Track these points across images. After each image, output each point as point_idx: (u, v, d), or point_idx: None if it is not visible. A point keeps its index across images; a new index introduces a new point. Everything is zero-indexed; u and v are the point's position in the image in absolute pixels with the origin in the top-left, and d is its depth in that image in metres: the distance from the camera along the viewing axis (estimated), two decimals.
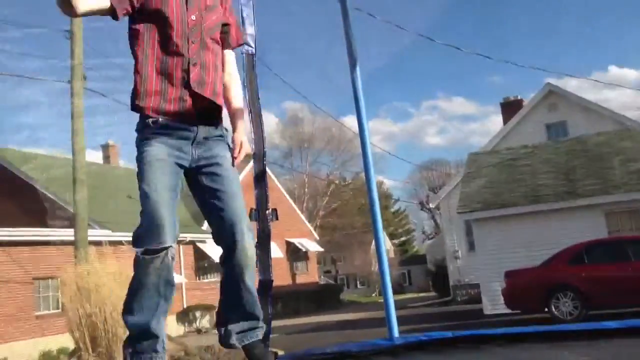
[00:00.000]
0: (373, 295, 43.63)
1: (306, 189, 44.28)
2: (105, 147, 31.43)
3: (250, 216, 4.71)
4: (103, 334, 7.34)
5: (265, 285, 4.04)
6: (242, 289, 2.20)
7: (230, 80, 2.34)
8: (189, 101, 2.09)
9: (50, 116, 54.85)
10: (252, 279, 2.23)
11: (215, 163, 2.17)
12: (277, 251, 25.93)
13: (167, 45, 2.07)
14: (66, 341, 11.99)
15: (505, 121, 25.37)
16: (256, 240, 4.41)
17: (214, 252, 25.62)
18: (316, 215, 43.54)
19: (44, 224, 19.72)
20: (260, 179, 4.30)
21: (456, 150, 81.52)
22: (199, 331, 23.20)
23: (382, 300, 4.06)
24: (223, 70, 2.28)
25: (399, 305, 4.50)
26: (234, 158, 2.26)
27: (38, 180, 23.01)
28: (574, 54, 72.07)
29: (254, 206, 4.39)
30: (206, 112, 2.17)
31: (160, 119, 2.09)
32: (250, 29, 5.28)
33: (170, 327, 19.43)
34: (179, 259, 24.37)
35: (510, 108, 25.61)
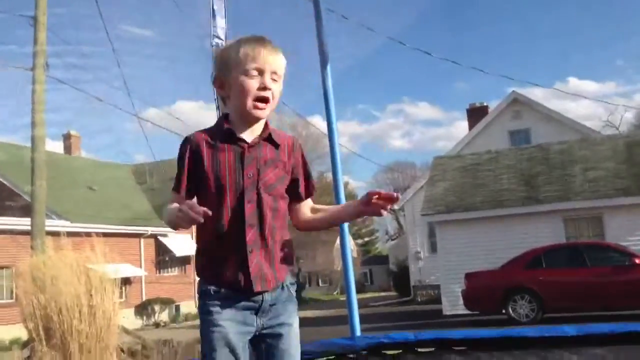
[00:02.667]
0: (335, 293, 43.79)
1: None
2: (67, 137, 30.76)
3: None
4: (58, 325, 7.14)
5: None
6: None
7: (314, 210, 2.07)
8: (245, 269, 1.88)
9: (8, 104, 53.37)
10: None
11: (278, 334, 1.95)
12: None
13: (221, 208, 1.86)
14: (19, 332, 11.69)
15: (470, 127, 25.74)
16: None
17: (175, 245, 25.35)
18: None
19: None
20: None
21: (420, 154, 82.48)
22: (157, 325, 22.91)
23: (343, 299, 4.05)
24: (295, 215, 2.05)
25: (360, 304, 4.50)
26: (385, 201, 1.90)
27: None
28: (538, 65, 73.61)
29: None
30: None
31: (222, 290, 1.89)
32: (221, 22, 5.21)
33: (128, 320, 19.12)
34: (138, 252, 24.03)
35: (475, 114, 26.01)
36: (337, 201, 4.84)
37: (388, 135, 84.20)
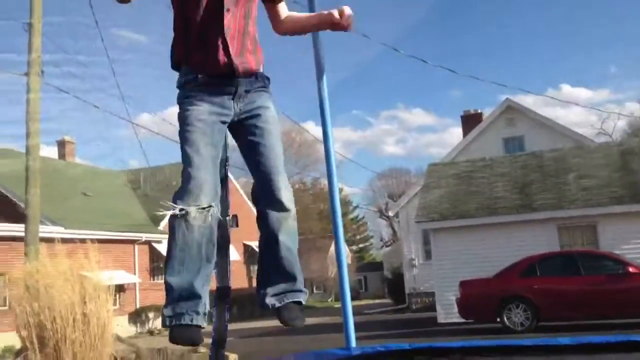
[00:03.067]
0: (329, 300, 43.70)
1: None
2: (62, 144, 30.67)
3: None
4: (51, 333, 7.11)
5: (223, 291, 3.99)
6: (281, 248, 2.12)
7: (289, 14, 2.34)
8: (229, 69, 2.08)
9: (3, 110, 53.22)
10: (291, 238, 2.16)
11: (257, 115, 2.13)
12: (234, 254, 25.71)
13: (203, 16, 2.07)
14: (12, 339, 11.62)
15: (465, 133, 25.84)
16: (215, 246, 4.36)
17: None
18: None
19: None
20: (221, 184, 4.24)
21: (414, 160, 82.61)
22: (151, 333, 22.78)
23: (338, 306, 4.05)
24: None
25: (354, 312, 4.48)
26: (340, 25, 2.24)
27: None
28: (530, 72, 73.98)
29: None
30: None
31: (200, 76, 2.07)
32: None
33: (122, 328, 19.03)
34: (133, 259, 23.93)
35: (470, 121, 26.13)
36: (332, 207, 4.84)
37: (382, 141, 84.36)
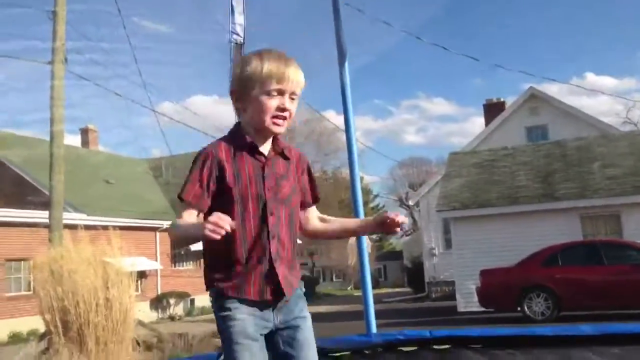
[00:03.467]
0: (349, 288, 43.83)
1: None
2: (85, 132, 31.03)
3: None
4: (74, 318, 7.22)
5: None
6: None
7: (322, 219, 2.17)
8: (267, 279, 1.93)
9: (28, 98, 53.94)
10: None
11: (295, 326, 2.02)
12: None
13: (244, 220, 1.91)
14: (37, 323, 11.84)
15: (487, 122, 25.57)
16: None
17: None
18: None
19: (18, 205, 19.40)
20: None
21: (435, 149, 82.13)
22: (172, 318, 23.08)
23: (357, 294, 4.06)
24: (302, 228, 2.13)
25: (374, 300, 4.49)
26: (388, 225, 2.05)
27: (12, 161, 22.63)
28: (554, 60, 72.87)
29: None
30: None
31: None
32: (239, 19, 5.21)
33: (144, 313, 19.29)
34: (154, 246, 24.21)
35: (492, 110, 25.83)
36: (354, 196, 4.83)
37: (403, 130, 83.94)
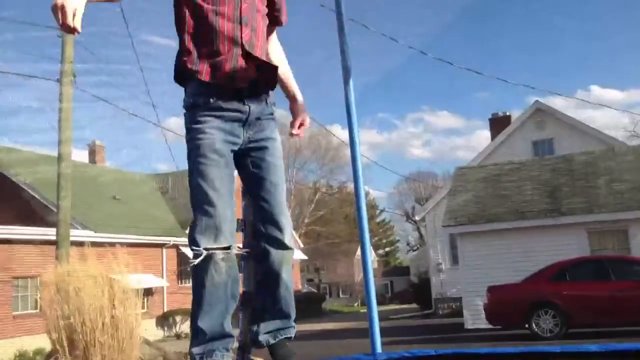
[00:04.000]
0: (355, 305, 43.61)
1: (292, 197, 44.25)
2: (92, 148, 31.20)
3: (237, 227, 4.71)
4: (81, 336, 7.23)
5: (249, 296, 4.01)
6: (280, 285, 2.10)
7: (277, 51, 2.26)
8: (241, 61, 1.96)
9: (38, 117, 54.42)
10: (289, 275, 2.13)
11: (264, 147, 2.05)
12: None
13: (217, 3, 1.97)
14: (43, 342, 11.82)
15: (493, 137, 25.56)
16: (242, 248, 4.40)
17: None
18: (301, 223, 43.49)
19: (26, 223, 19.48)
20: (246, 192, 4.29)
21: (441, 163, 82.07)
22: (178, 336, 22.97)
23: (364, 311, 4.04)
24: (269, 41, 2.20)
25: (380, 317, 4.46)
26: (293, 134, 2.25)
27: (20, 178, 22.76)
28: (559, 73, 72.94)
29: (240, 216, 4.38)
30: (259, 80, 2.04)
31: (211, 100, 1.95)
32: None
33: (150, 331, 19.24)
34: (161, 263, 24.21)
35: (498, 124, 25.84)
36: (359, 211, 4.83)
37: (408, 144, 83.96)
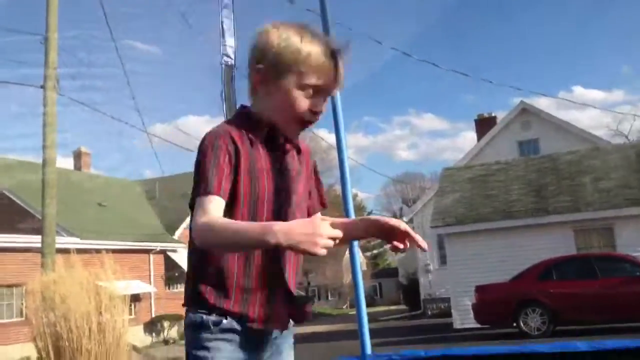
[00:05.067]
0: (344, 307, 43.62)
1: None
2: (77, 154, 30.97)
3: None
4: (67, 344, 7.15)
5: None
6: None
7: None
8: (277, 305, 1.53)
9: (21, 124, 53.96)
10: None
11: None
12: None
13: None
14: (29, 350, 11.70)
15: (479, 137, 25.71)
16: None
17: (185, 261, 25.41)
18: None
19: (10, 231, 19.27)
20: None
21: (428, 165, 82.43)
22: (166, 342, 22.85)
23: (353, 313, 4.04)
24: None
25: (370, 318, 4.47)
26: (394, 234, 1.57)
27: (4, 186, 22.52)
28: (542, 74, 73.58)
29: None
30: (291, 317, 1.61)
31: (224, 321, 1.49)
32: (230, 41, 5.26)
33: (138, 337, 19.10)
34: (148, 268, 24.06)
35: (484, 125, 26.00)
36: (347, 214, 4.84)
37: (395, 146, 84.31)
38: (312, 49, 1.47)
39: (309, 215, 1.63)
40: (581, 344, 3.21)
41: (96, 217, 23.84)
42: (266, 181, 1.49)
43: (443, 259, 20.47)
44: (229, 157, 1.45)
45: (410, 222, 28.28)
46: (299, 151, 1.60)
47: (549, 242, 14.58)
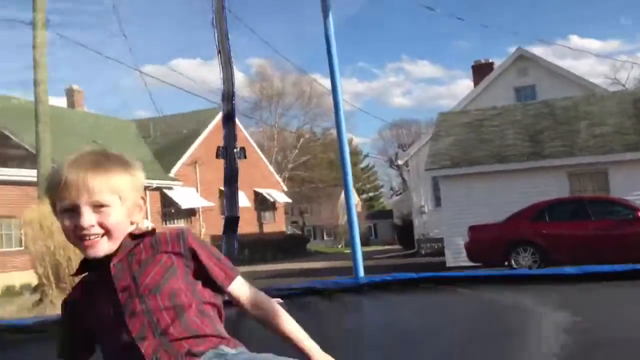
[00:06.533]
0: (339, 246, 44.28)
1: (275, 142, 44.12)
2: (70, 92, 30.62)
3: (217, 154, 4.70)
4: (67, 270, 7.28)
5: (231, 221, 4.07)
6: None
7: (262, 305, 1.57)
8: None
9: (9, 59, 53.01)
10: None
11: None
12: (244, 200, 25.96)
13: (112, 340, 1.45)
14: (29, 277, 11.93)
15: (475, 84, 25.52)
16: (224, 176, 4.43)
17: (181, 198, 25.55)
18: (285, 168, 43.54)
19: (5, 164, 19.31)
20: (228, 118, 4.28)
21: (423, 111, 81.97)
22: None
23: (348, 251, 4.13)
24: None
25: (364, 257, 4.57)
26: None
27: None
28: (538, 22, 72.30)
29: (221, 144, 4.37)
30: None
31: None
32: None
33: None
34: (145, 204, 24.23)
35: (481, 71, 25.80)
36: (342, 160, 4.84)
37: (390, 92, 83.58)
38: (65, 171, 1.46)
39: (217, 290, 1.55)
40: (570, 269, 3.31)
41: None
42: (103, 302, 1.46)
43: (437, 201, 20.66)
44: (70, 323, 1.53)
45: (405, 165, 28.37)
46: (143, 236, 1.53)
47: (543, 185, 14.70)
